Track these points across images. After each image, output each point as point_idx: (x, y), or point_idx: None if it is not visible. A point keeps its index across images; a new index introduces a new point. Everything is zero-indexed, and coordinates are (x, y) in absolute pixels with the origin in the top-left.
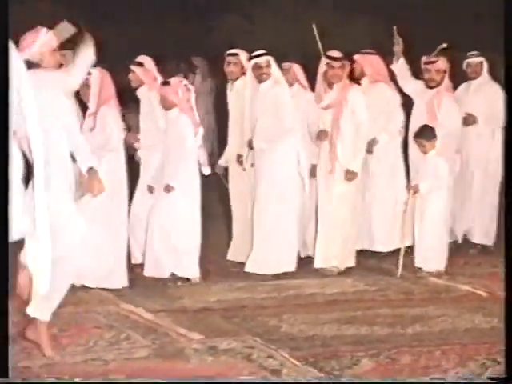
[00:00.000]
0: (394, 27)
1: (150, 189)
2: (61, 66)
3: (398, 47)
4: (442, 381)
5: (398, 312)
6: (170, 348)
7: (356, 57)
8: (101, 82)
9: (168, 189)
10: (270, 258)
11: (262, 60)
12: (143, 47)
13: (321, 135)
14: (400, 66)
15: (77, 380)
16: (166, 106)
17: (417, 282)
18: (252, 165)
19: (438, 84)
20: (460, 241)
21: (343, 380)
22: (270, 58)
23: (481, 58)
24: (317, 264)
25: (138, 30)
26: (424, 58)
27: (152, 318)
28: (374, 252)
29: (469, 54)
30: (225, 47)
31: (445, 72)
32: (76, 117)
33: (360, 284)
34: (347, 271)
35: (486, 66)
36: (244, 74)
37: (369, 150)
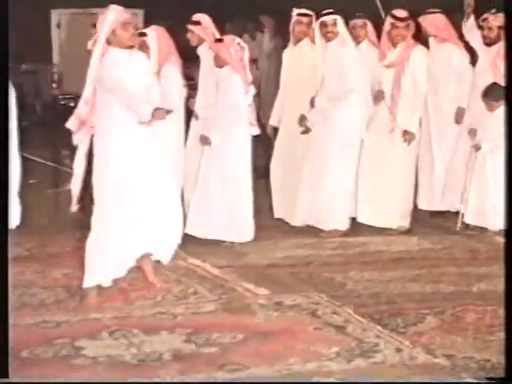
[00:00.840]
0: None
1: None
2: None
3: (469, 7)
4: (442, 381)
5: (463, 270)
6: (237, 303)
7: (420, 19)
8: (159, 41)
9: (207, 141)
10: (326, 216)
11: (328, 18)
12: (209, 6)
13: (378, 95)
14: (469, 25)
15: (77, 380)
16: (219, 63)
17: (482, 240)
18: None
19: (494, 42)
20: None
21: (344, 380)
22: (337, 17)
23: None
24: (360, 220)
25: None
26: (482, 17)
27: (219, 274)
28: (438, 212)
29: None
30: (292, 5)
31: (500, 28)
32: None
33: (425, 242)
34: (413, 230)
35: None
36: (308, 35)
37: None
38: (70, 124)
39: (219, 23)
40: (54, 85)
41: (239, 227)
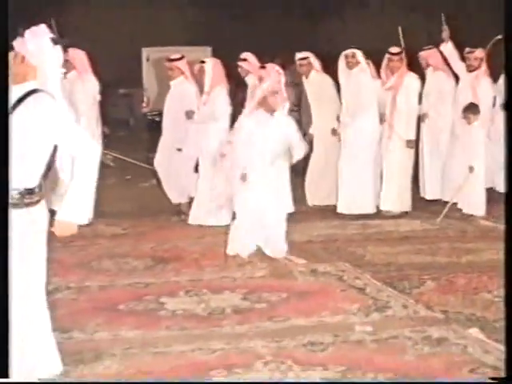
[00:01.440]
0: (442, 16)
1: None
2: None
3: (446, 33)
4: (442, 381)
5: (455, 245)
6: (282, 270)
7: (421, 53)
8: (213, 69)
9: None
10: (354, 202)
11: (348, 52)
12: (255, 44)
13: (382, 116)
14: (449, 49)
15: (79, 380)
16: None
17: (470, 223)
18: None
19: (475, 69)
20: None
21: (344, 380)
22: (356, 51)
23: None
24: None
25: (252, 29)
26: (466, 50)
27: None
28: (436, 200)
29: None
30: (324, 45)
31: (481, 60)
32: None
33: (426, 224)
34: (414, 214)
35: None
36: (313, 69)
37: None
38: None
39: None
40: (143, 104)
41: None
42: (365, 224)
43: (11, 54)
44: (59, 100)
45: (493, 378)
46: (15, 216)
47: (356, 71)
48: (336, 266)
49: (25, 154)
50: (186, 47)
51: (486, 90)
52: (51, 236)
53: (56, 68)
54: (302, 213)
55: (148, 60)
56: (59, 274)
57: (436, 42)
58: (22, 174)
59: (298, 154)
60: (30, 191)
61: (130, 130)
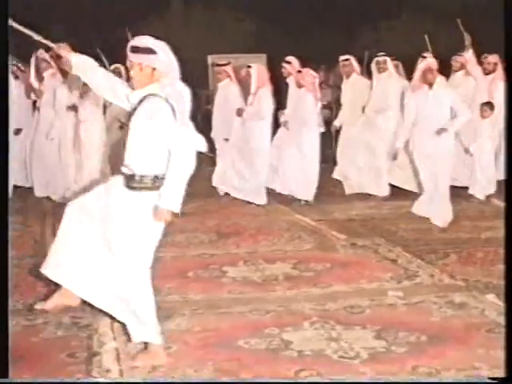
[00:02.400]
0: (459, 22)
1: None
2: None
3: (468, 41)
4: (442, 381)
5: (475, 223)
6: (326, 243)
7: (456, 57)
8: (258, 73)
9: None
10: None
11: (380, 58)
12: (303, 51)
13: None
14: (470, 56)
15: (81, 380)
16: (299, 85)
17: (487, 204)
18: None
19: (491, 72)
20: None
21: (344, 380)
22: (387, 58)
23: None
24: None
25: (300, 39)
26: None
27: (314, 224)
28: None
29: None
30: (359, 51)
31: (496, 64)
32: None
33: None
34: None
35: None
36: (354, 71)
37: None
38: None
39: (312, 64)
40: (208, 104)
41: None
42: (396, 205)
43: (130, 64)
44: (171, 102)
45: (493, 378)
46: (148, 197)
47: (385, 75)
48: (372, 241)
49: (147, 144)
50: (245, 54)
51: (501, 92)
52: None
53: (170, 76)
54: (341, 196)
55: (213, 65)
56: None
57: (458, 49)
58: (153, 162)
59: None
60: (157, 177)
61: (198, 124)
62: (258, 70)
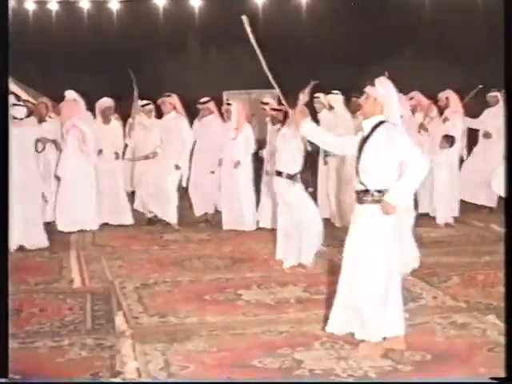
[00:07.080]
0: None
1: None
2: None
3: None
4: (443, 381)
5: (476, 248)
6: (335, 268)
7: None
8: (237, 110)
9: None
10: None
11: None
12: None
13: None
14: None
15: (80, 380)
16: (273, 122)
17: (488, 230)
18: None
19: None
20: None
21: (344, 380)
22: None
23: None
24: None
25: (308, 76)
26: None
27: (324, 248)
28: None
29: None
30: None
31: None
32: None
33: (451, 230)
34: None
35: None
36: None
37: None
38: None
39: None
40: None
41: None
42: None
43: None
44: (400, 127)
45: (494, 378)
46: (371, 209)
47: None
48: None
49: (378, 164)
50: (258, 90)
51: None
52: (159, 240)
53: (395, 105)
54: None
55: (227, 100)
56: (158, 271)
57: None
58: (379, 179)
59: None
60: (380, 191)
61: None
62: (237, 107)
